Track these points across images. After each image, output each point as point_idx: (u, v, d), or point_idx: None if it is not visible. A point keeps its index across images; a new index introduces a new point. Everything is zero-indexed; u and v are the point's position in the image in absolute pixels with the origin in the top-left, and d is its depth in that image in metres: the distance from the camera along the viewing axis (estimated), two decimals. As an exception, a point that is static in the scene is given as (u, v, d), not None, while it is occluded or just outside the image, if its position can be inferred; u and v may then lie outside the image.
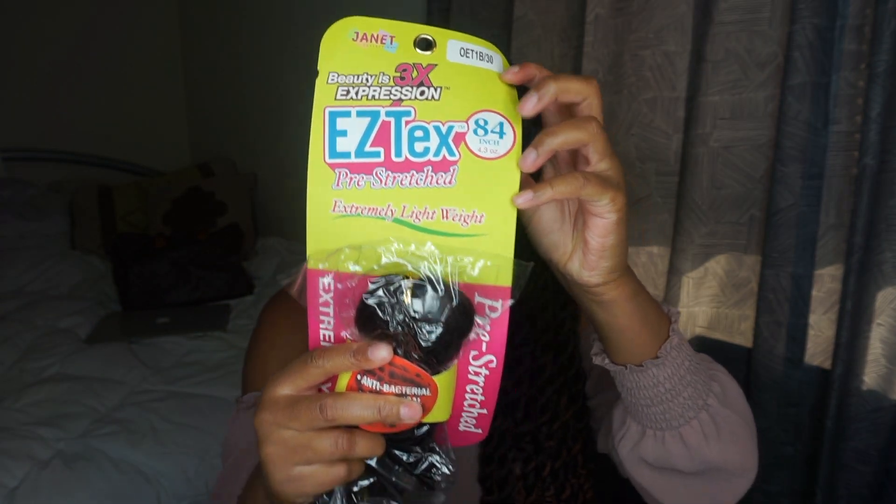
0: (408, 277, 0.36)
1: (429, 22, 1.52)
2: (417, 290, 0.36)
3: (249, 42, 2.44)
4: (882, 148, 0.88)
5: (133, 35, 2.69)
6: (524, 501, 0.63)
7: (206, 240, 2.18)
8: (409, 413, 0.36)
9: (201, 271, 2.04)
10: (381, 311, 0.36)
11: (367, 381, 0.36)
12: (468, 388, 0.40)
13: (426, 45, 0.39)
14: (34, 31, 2.45)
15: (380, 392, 0.36)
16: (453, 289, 0.36)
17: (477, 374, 0.40)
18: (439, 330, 0.36)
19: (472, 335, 0.38)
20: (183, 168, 2.61)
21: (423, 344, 0.36)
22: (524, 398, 0.63)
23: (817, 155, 0.97)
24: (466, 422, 0.42)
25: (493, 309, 0.38)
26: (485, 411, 0.41)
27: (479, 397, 0.41)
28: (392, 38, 0.38)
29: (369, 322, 0.37)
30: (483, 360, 0.40)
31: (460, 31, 0.40)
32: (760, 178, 1.07)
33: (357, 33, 0.38)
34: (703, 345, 1.17)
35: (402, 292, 0.36)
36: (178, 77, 2.87)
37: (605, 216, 0.40)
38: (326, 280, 0.38)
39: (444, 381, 0.38)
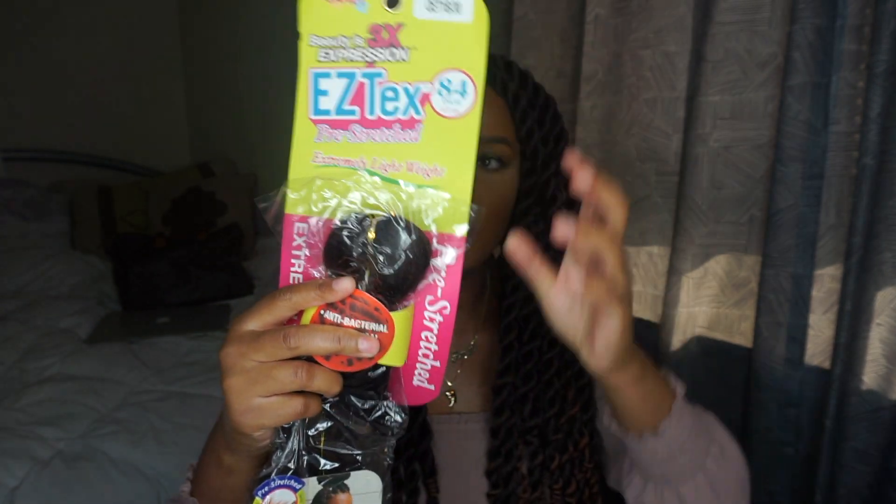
0: (374, 216, 0.40)
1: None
2: (381, 224, 0.40)
3: (249, 42, 2.44)
4: (882, 148, 0.88)
5: (133, 35, 2.69)
6: (531, 496, 0.64)
7: (206, 240, 2.18)
8: (367, 346, 0.39)
9: (201, 271, 2.04)
10: (348, 241, 0.40)
11: (330, 315, 0.40)
12: (423, 334, 0.43)
13: (394, 0, 0.41)
14: (34, 31, 2.45)
15: (340, 325, 0.40)
16: (412, 226, 0.40)
17: (432, 319, 0.43)
18: (399, 261, 0.40)
19: (430, 280, 0.42)
20: (183, 168, 2.62)
21: (383, 272, 0.40)
22: (532, 393, 0.64)
23: (817, 155, 0.97)
24: (420, 375, 0.44)
25: (448, 257, 0.42)
26: (437, 363, 0.44)
27: (433, 346, 0.43)
28: None
29: (335, 252, 0.40)
30: (438, 305, 0.43)
31: None
32: (760, 178, 1.07)
33: None
34: (703, 345, 1.17)
35: (367, 226, 0.40)
36: (178, 77, 2.87)
37: (612, 323, 0.44)
38: (301, 225, 0.41)
39: (401, 319, 0.41)
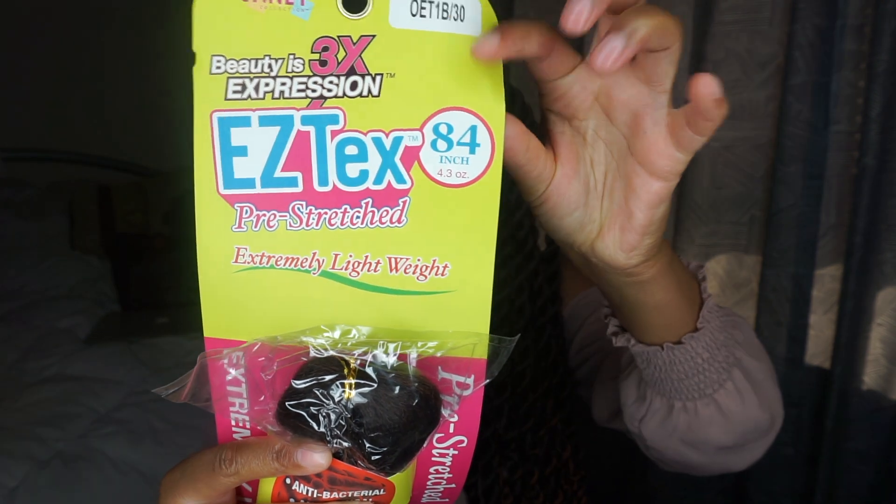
0: (347, 365, 0.26)
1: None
2: (361, 391, 0.26)
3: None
4: (882, 148, 0.88)
5: (133, 35, 2.69)
6: None
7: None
8: None
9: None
10: (313, 419, 0.26)
11: (301, 488, 0.28)
12: (432, 469, 0.33)
13: (357, 2, 0.26)
14: (34, 30, 2.45)
15: (317, 500, 0.28)
16: (410, 379, 0.27)
17: (443, 455, 0.32)
18: (392, 440, 0.27)
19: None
20: (183, 168, 2.61)
21: (371, 457, 0.27)
22: (507, 405, 0.61)
23: (817, 155, 0.97)
24: (430, 495, 0.34)
25: (463, 386, 0.29)
26: (453, 486, 0.34)
27: (446, 475, 0.33)
28: None
29: (296, 419, 0.27)
30: (450, 441, 0.31)
31: None
32: (761, 178, 1.07)
33: None
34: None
35: (340, 395, 0.26)
36: (178, 77, 2.87)
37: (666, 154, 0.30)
38: (233, 365, 0.28)
39: (401, 477, 0.29)
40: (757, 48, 1.03)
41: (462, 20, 0.27)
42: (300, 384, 0.26)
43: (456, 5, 0.27)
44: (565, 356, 0.65)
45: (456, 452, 0.32)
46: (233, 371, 0.28)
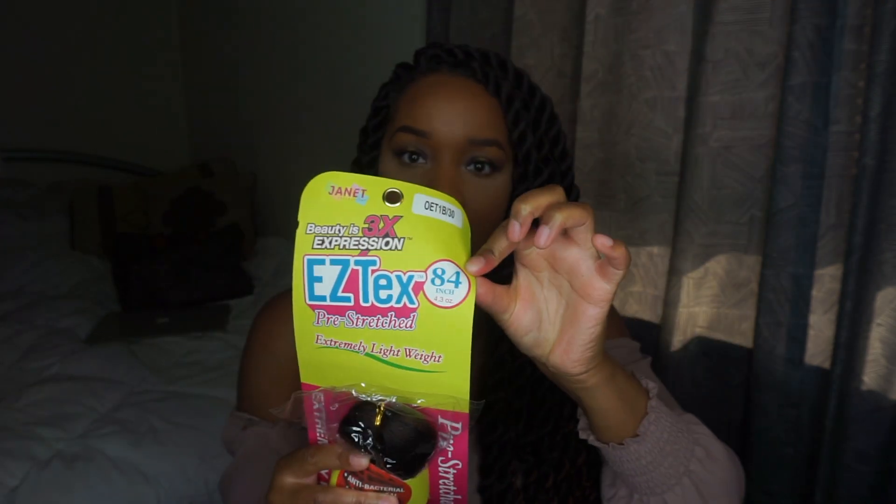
0: (378, 408, 0.43)
1: (429, 21, 1.52)
2: (385, 424, 0.43)
3: (249, 42, 2.44)
4: (882, 148, 0.88)
5: (133, 35, 2.69)
6: None
7: (206, 240, 2.18)
8: (388, 502, 0.44)
9: (201, 271, 2.04)
10: (358, 430, 0.44)
11: (352, 479, 0.46)
12: (441, 482, 0.47)
13: (394, 198, 0.43)
14: (34, 30, 2.45)
15: (362, 489, 0.45)
16: (416, 420, 0.43)
17: (446, 473, 0.47)
18: (402, 457, 0.43)
19: (440, 447, 0.45)
20: (183, 168, 2.61)
21: (387, 464, 0.43)
22: (526, 409, 0.63)
23: (817, 155, 0.97)
24: (444, 500, 0.49)
25: (454, 428, 0.44)
26: (459, 497, 0.48)
27: (452, 487, 0.48)
28: (363, 191, 0.43)
29: (348, 436, 0.44)
30: (450, 463, 0.46)
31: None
32: (760, 178, 1.07)
33: (333, 187, 0.43)
34: (703, 345, 1.17)
35: (373, 426, 0.43)
36: (178, 77, 2.87)
37: (604, 288, 0.44)
38: (318, 396, 0.45)
39: (416, 481, 0.46)
40: (757, 48, 1.03)
41: (453, 217, 0.43)
42: (351, 416, 0.44)
43: (449, 209, 0.43)
44: None
45: (455, 472, 0.47)
46: (316, 404, 0.45)
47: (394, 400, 0.43)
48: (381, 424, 0.43)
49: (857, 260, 0.92)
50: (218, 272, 2.06)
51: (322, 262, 0.42)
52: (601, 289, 0.44)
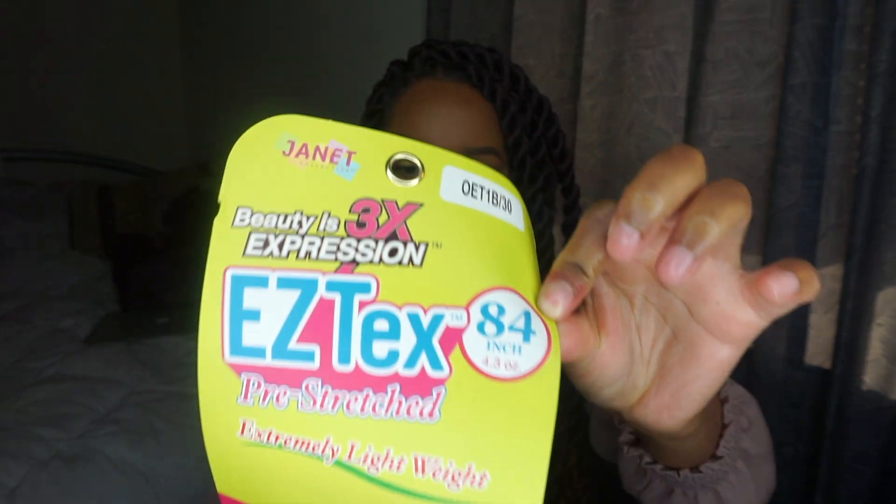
0: None
1: (429, 21, 1.51)
2: None
3: (249, 42, 2.44)
4: (882, 148, 0.88)
5: (133, 35, 2.69)
6: None
7: (206, 240, 2.18)
8: None
9: (201, 272, 2.04)
10: None
11: None
12: None
13: (407, 170, 0.24)
14: (34, 30, 2.45)
15: None
16: None
17: None
18: None
19: None
20: (183, 168, 2.61)
21: None
22: None
23: (817, 155, 0.97)
24: None
25: None
26: None
27: None
28: (350, 153, 0.24)
29: None
30: None
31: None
32: (760, 178, 1.07)
33: (292, 143, 0.24)
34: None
35: None
36: (178, 77, 2.87)
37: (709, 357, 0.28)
38: None
39: None
40: (757, 48, 1.03)
41: (510, 212, 0.25)
42: None
43: (504, 198, 0.25)
44: None
45: None
46: None
47: None
48: None
49: (858, 260, 0.92)
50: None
51: (262, 281, 0.24)
52: (747, 323, 0.28)
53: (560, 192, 0.65)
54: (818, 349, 1.03)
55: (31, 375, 1.52)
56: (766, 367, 1.05)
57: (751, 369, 1.09)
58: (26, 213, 2.27)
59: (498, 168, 0.58)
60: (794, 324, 1.02)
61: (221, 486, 0.25)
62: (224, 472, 0.25)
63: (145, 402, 1.43)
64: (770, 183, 1.02)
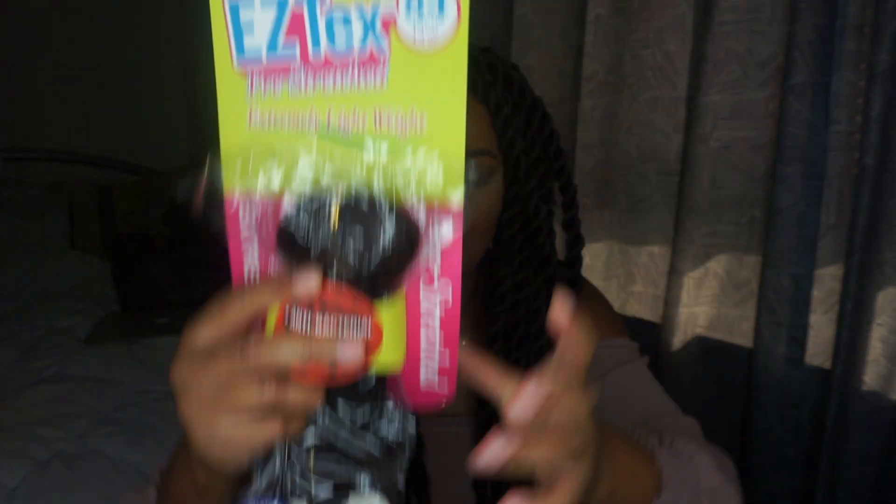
0: (335, 195, 0.30)
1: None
2: (345, 209, 0.30)
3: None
4: (882, 148, 0.88)
5: (133, 34, 2.69)
6: None
7: (206, 240, 2.18)
8: (348, 350, 0.30)
9: (201, 271, 2.04)
10: (304, 234, 0.30)
11: (297, 318, 0.30)
12: (423, 324, 0.34)
13: None
14: (34, 31, 2.45)
15: (310, 336, 0.31)
16: (387, 204, 0.30)
17: (430, 312, 0.34)
18: (374, 256, 0.30)
19: (421, 265, 0.33)
20: (183, 168, 2.61)
21: (355, 272, 0.30)
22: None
23: (817, 155, 0.97)
24: (428, 367, 0.35)
25: (442, 232, 0.32)
26: (447, 350, 0.35)
27: (437, 334, 0.34)
28: None
29: (291, 246, 0.31)
30: (436, 285, 0.33)
31: None
32: (760, 178, 1.07)
33: None
34: (703, 345, 1.17)
35: (326, 211, 0.30)
36: (178, 77, 2.87)
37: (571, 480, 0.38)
38: (245, 207, 0.33)
39: (389, 312, 0.32)
40: (757, 48, 1.03)
41: None
42: (293, 214, 0.31)
43: None
44: None
45: (443, 315, 0.34)
46: (247, 217, 0.34)
47: (354, 184, 0.31)
48: (339, 216, 0.30)
49: (858, 260, 0.92)
50: (218, 272, 2.06)
51: (249, 2, 0.31)
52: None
53: (558, 190, 0.65)
54: (818, 349, 1.03)
55: (31, 375, 1.52)
56: (767, 367, 1.05)
57: (751, 370, 1.09)
58: (26, 213, 2.27)
59: (493, 168, 0.58)
60: (794, 324, 1.02)
61: (230, 181, 0.32)
62: (232, 165, 0.32)
63: (145, 402, 1.43)
64: (770, 183, 1.02)
